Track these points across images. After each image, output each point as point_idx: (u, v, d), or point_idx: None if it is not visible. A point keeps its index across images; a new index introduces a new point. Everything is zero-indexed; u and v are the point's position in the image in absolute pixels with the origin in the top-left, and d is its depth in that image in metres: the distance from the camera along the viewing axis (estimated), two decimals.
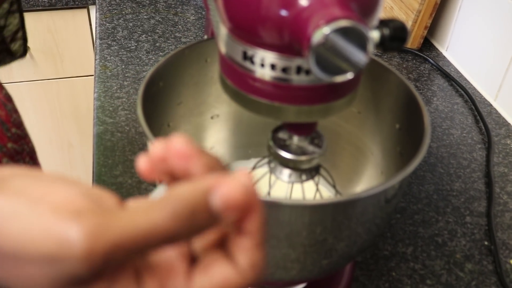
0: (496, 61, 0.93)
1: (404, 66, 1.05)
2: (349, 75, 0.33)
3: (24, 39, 0.65)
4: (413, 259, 0.64)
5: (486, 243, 0.67)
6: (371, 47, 0.32)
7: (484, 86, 0.97)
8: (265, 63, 0.36)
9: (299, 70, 0.36)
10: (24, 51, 0.66)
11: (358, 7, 0.34)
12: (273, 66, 0.36)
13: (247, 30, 0.36)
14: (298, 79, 0.37)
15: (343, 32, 0.31)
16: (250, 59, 0.37)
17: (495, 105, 0.94)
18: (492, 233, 0.68)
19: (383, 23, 0.34)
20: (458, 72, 1.04)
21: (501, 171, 0.79)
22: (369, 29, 0.32)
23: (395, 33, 0.33)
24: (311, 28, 0.32)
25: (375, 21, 0.36)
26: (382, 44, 0.34)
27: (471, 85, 1.00)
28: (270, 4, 0.34)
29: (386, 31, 0.34)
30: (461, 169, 0.79)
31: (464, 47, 1.03)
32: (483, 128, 0.88)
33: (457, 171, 0.78)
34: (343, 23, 0.31)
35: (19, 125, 0.51)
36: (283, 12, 0.34)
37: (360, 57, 0.32)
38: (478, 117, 0.90)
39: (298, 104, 0.39)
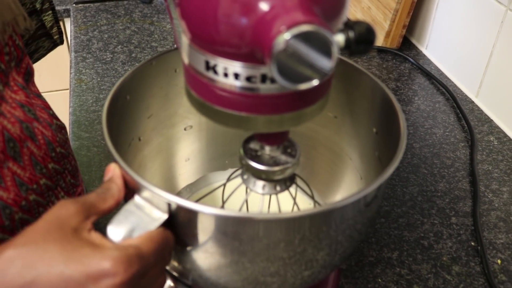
0: (475, 57, 0.92)
1: (384, 66, 1.04)
2: (315, 82, 0.31)
3: (60, 33, 0.71)
4: (399, 264, 0.63)
5: (472, 243, 0.66)
6: (335, 52, 0.31)
7: (465, 83, 0.96)
8: (228, 73, 0.35)
9: (264, 78, 0.34)
10: (61, 40, 0.71)
11: (321, 11, 0.33)
12: (236, 75, 0.35)
13: (207, 39, 0.34)
14: (264, 88, 0.35)
15: (305, 37, 0.29)
16: (213, 69, 0.35)
17: (476, 102, 0.93)
18: (478, 233, 0.66)
19: (348, 26, 0.33)
20: (438, 70, 1.03)
21: (485, 168, 0.78)
22: (332, 33, 0.30)
23: (360, 36, 0.32)
24: (273, 34, 0.30)
25: (340, 24, 0.35)
26: (348, 48, 0.33)
27: (452, 82, 0.99)
28: (229, 12, 0.32)
29: (352, 34, 0.32)
30: (445, 169, 0.78)
31: (444, 45, 1.03)
32: (466, 125, 0.87)
33: (441, 171, 0.77)
34: (305, 27, 0.29)
35: (64, 143, 0.52)
36: (243, 20, 0.32)
37: (324, 63, 0.31)
38: (460, 115, 0.90)
39: (267, 113, 0.37)
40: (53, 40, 0.68)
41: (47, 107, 0.53)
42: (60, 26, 0.69)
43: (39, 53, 0.69)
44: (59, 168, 0.50)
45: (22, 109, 0.46)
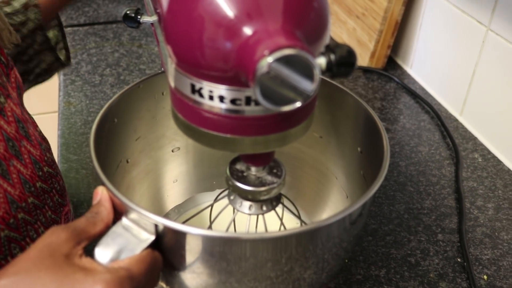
0: (459, 76, 0.94)
1: (370, 86, 1.05)
2: (298, 104, 0.32)
3: (66, 49, 0.72)
4: (387, 281, 0.63)
5: (459, 260, 0.67)
6: (317, 75, 0.31)
7: (449, 101, 0.98)
8: (213, 95, 0.36)
9: (248, 100, 0.35)
10: (68, 58, 0.73)
11: (304, 35, 0.34)
12: (222, 98, 0.35)
13: (193, 63, 0.35)
14: (249, 110, 0.36)
15: (287, 60, 0.30)
16: (199, 92, 0.36)
17: (461, 119, 0.95)
18: (464, 250, 0.67)
19: (329, 49, 0.33)
20: (423, 89, 1.05)
21: (470, 185, 0.79)
22: (314, 56, 0.31)
23: (341, 59, 0.33)
24: (256, 58, 0.31)
25: (322, 48, 0.36)
26: (330, 70, 0.33)
27: (437, 101, 1.01)
28: (214, 37, 0.33)
29: (333, 57, 0.33)
30: (430, 186, 0.79)
31: (428, 64, 1.04)
32: (451, 143, 0.88)
33: (427, 189, 0.78)
34: (287, 51, 0.30)
35: (52, 163, 0.52)
36: (228, 44, 0.33)
37: (307, 85, 0.32)
38: (445, 133, 0.91)
39: (253, 135, 0.38)
40: (55, 54, 0.68)
41: (35, 126, 0.53)
42: (66, 42, 0.69)
43: (40, 68, 0.69)
44: (46, 187, 0.51)
45: (17, 124, 0.47)
